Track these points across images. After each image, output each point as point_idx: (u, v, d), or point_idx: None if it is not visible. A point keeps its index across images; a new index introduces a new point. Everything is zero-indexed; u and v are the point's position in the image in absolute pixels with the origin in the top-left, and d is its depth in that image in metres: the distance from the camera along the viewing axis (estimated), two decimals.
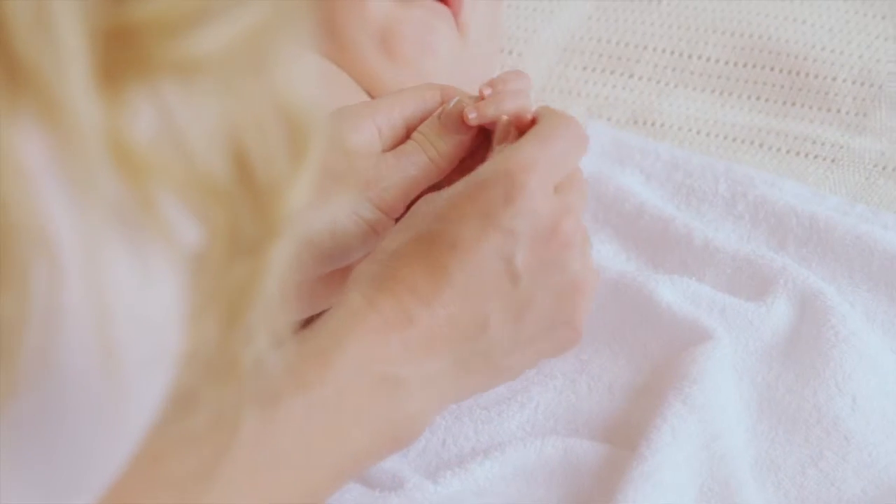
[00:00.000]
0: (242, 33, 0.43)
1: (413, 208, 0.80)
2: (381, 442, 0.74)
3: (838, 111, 1.10)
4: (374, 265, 0.77)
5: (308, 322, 0.79)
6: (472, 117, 0.82)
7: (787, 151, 1.09)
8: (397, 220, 0.83)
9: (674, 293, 0.93)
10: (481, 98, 0.84)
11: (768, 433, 0.86)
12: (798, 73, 1.13)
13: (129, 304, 0.43)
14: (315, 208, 0.77)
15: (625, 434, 0.84)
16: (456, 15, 1.05)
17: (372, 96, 1.03)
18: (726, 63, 1.15)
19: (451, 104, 0.85)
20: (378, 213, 0.82)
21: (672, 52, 1.15)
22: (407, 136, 0.85)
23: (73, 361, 0.42)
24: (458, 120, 0.84)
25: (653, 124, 1.12)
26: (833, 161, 1.07)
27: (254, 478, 0.69)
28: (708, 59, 1.15)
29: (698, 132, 1.11)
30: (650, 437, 0.81)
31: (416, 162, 0.83)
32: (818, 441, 0.85)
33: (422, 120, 0.85)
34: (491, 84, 0.85)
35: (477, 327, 0.76)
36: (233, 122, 0.45)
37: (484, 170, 0.78)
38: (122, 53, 0.41)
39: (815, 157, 1.08)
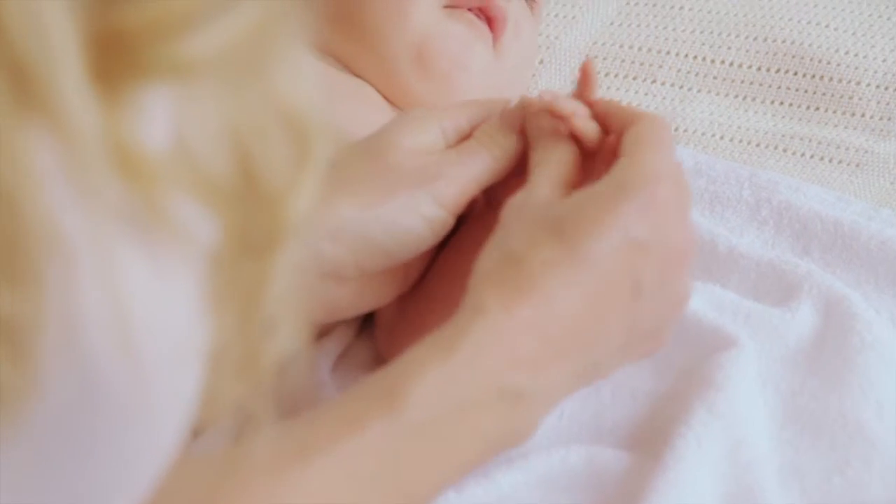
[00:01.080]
0: (237, 35, 0.43)
1: (523, 215, 0.76)
2: (490, 452, 0.75)
3: (862, 115, 1.10)
4: (507, 269, 0.73)
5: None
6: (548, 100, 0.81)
7: (812, 156, 1.08)
8: (458, 218, 0.83)
9: (698, 300, 0.93)
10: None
11: (793, 440, 0.86)
12: (822, 78, 1.13)
13: (146, 304, 0.43)
14: (373, 206, 0.78)
15: (649, 441, 0.84)
16: (496, 37, 1.05)
17: (398, 108, 1.03)
18: (749, 68, 1.14)
19: (514, 103, 0.84)
20: (439, 209, 0.81)
21: (695, 58, 1.15)
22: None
23: (97, 363, 0.42)
24: (519, 117, 0.83)
25: (676, 129, 1.12)
26: (857, 166, 1.07)
27: (377, 475, 0.69)
28: (731, 64, 1.15)
29: (722, 137, 1.11)
30: (674, 445, 0.81)
31: (478, 158, 0.82)
32: (843, 448, 0.85)
33: None
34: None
35: (594, 340, 0.75)
36: (234, 125, 0.45)
37: (612, 181, 0.75)
38: (118, 57, 0.41)
39: (840, 161, 1.08)
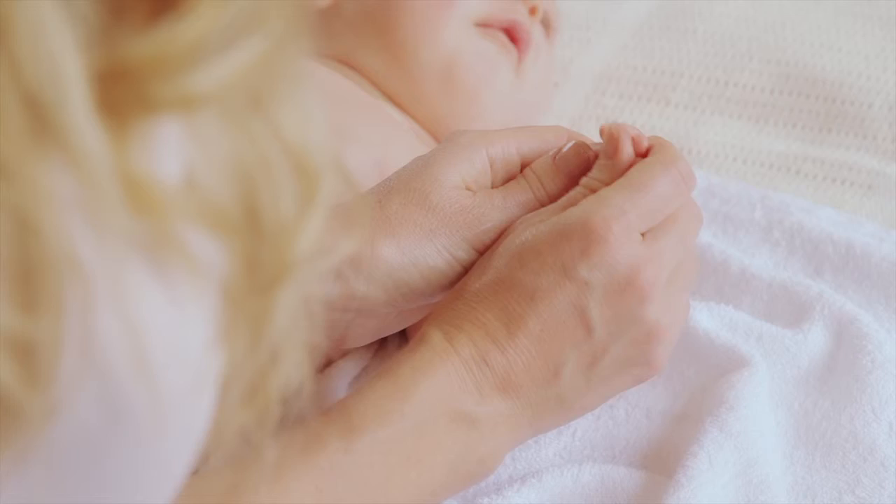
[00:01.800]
0: (243, 71, 0.43)
1: (498, 244, 0.79)
2: (456, 477, 0.77)
3: (874, 138, 1.10)
4: (456, 303, 0.78)
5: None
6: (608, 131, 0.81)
7: (824, 178, 1.09)
8: None
9: (711, 320, 0.93)
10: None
11: (805, 460, 0.86)
12: (834, 101, 1.13)
13: (160, 330, 0.44)
14: (411, 251, 0.78)
15: (662, 460, 0.85)
16: (521, 58, 1.06)
17: (418, 123, 1.04)
18: (762, 90, 1.15)
19: (568, 146, 0.83)
20: (474, 253, 0.81)
21: (708, 80, 1.16)
22: (520, 171, 0.84)
23: (113, 388, 0.43)
24: (572, 162, 0.82)
25: (689, 152, 1.12)
26: (869, 188, 1.07)
27: (342, 494, 0.72)
28: (744, 87, 1.15)
29: (734, 159, 1.11)
30: (687, 464, 0.82)
31: (523, 202, 0.82)
32: (855, 467, 0.85)
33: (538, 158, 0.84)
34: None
35: (551, 374, 0.78)
36: (239, 160, 0.45)
37: (568, 217, 0.77)
38: (126, 91, 0.41)
39: (852, 183, 1.08)
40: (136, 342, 0.43)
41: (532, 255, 0.77)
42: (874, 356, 0.89)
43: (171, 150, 0.44)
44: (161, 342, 0.44)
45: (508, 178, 0.84)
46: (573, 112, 1.14)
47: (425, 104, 1.03)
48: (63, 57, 0.40)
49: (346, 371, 0.95)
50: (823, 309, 0.93)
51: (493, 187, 0.83)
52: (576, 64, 1.19)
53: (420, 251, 0.80)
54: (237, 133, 0.45)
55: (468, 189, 0.82)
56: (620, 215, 0.77)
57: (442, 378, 0.75)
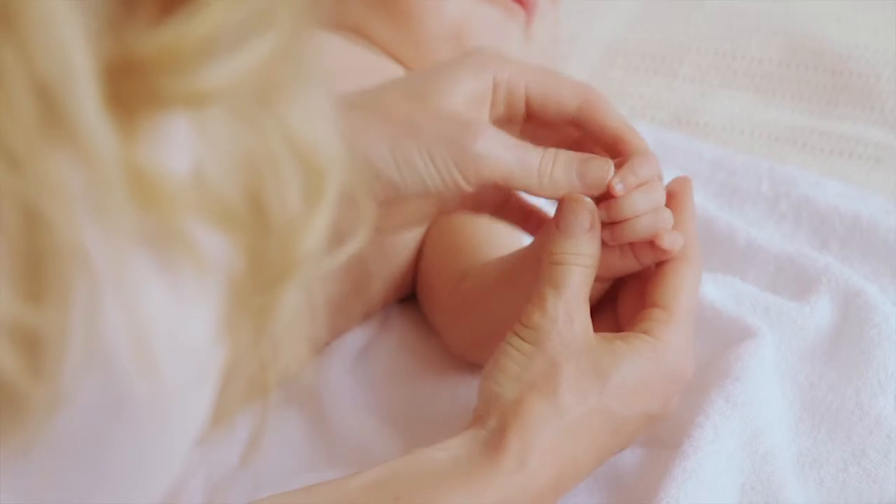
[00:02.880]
0: (252, 68, 0.43)
1: (567, 349, 0.78)
2: None
3: (882, 111, 1.10)
4: (552, 415, 0.77)
5: None
6: (603, 216, 0.79)
7: (831, 151, 1.09)
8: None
9: (717, 292, 0.93)
10: (612, 196, 0.79)
11: (811, 431, 0.86)
12: (841, 73, 1.13)
13: (165, 324, 0.44)
14: (394, 139, 0.77)
15: (668, 431, 0.85)
16: (528, 20, 1.06)
17: None
18: (769, 63, 1.15)
19: (594, 160, 0.80)
20: (457, 175, 0.78)
21: (715, 53, 1.16)
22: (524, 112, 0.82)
23: (117, 380, 0.43)
24: (593, 178, 0.79)
25: (696, 124, 1.12)
26: (877, 161, 1.07)
27: None
28: (751, 60, 1.15)
29: (741, 132, 1.11)
30: (693, 435, 0.82)
31: (525, 162, 0.79)
32: (860, 439, 0.85)
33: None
34: (622, 176, 0.79)
35: (593, 468, 0.81)
36: (247, 157, 0.45)
37: (669, 362, 0.79)
38: (135, 86, 0.41)
39: (859, 156, 1.08)
40: (140, 335, 0.43)
41: (628, 393, 0.78)
42: (880, 328, 0.89)
43: (179, 144, 0.44)
44: (165, 335, 0.44)
45: (510, 112, 0.82)
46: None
47: None
48: (73, 49, 0.40)
49: (351, 344, 0.96)
50: (830, 281, 0.93)
51: (492, 115, 0.82)
52: (583, 37, 1.19)
53: (401, 145, 0.78)
54: (245, 129, 0.45)
55: (469, 104, 0.80)
56: (691, 348, 0.81)
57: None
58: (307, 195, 0.47)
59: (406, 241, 0.98)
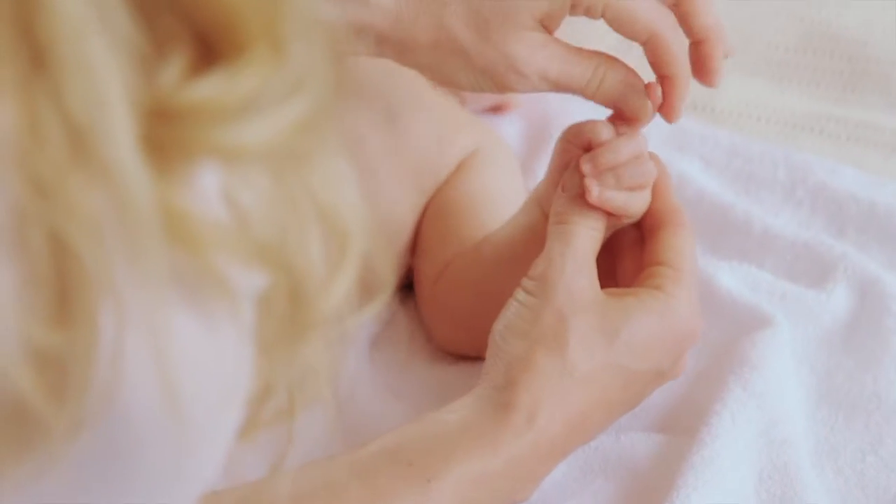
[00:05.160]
0: (285, 129, 0.44)
1: (576, 307, 0.79)
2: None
3: None
4: (559, 373, 0.78)
5: None
6: (587, 169, 0.80)
7: (847, 138, 1.08)
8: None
9: (734, 279, 0.93)
10: (597, 141, 0.81)
11: (828, 419, 0.86)
12: (858, 60, 1.13)
13: (192, 353, 0.45)
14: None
15: (685, 419, 0.85)
16: None
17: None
18: (786, 49, 1.15)
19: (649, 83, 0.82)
20: (495, 88, 0.80)
21: (731, 38, 1.15)
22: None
23: (139, 407, 0.44)
24: (640, 96, 0.81)
25: (712, 110, 1.12)
26: (893, 148, 1.07)
27: None
28: (768, 46, 1.15)
29: (758, 119, 1.11)
30: (710, 423, 0.82)
31: (581, 65, 0.80)
32: (877, 427, 0.85)
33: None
34: (608, 122, 0.82)
35: (595, 432, 0.81)
36: (275, 212, 0.46)
37: (677, 319, 0.80)
38: (172, 133, 0.42)
39: (875, 143, 1.08)
40: (165, 369, 0.43)
41: (639, 348, 0.78)
42: None
43: (212, 189, 0.44)
44: (190, 371, 0.45)
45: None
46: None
47: None
48: (108, 90, 0.40)
49: (368, 328, 0.96)
50: (847, 269, 0.93)
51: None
52: (595, 22, 1.18)
53: (447, 64, 0.79)
54: (276, 186, 0.46)
55: (541, 25, 0.79)
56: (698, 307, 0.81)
57: (528, 464, 0.77)
58: (331, 256, 0.48)
59: (403, 224, 0.97)
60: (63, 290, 0.41)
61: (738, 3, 1.17)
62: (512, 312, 0.79)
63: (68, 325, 0.41)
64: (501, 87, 0.79)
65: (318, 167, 0.47)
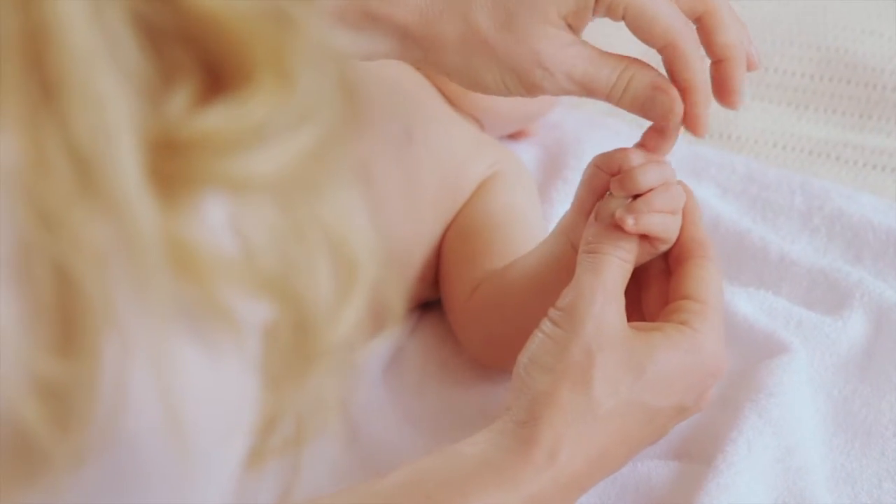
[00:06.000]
0: (293, 159, 0.44)
1: (601, 342, 0.77)
2: None
3: None
4: (582, 410, 0.77)
5: None
6: (616, 192, 0.79)
7: (864, 165, 1.08)
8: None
9: (750, 306, 0.93)
10: (625, 166, 0.80)
11: (844, 446, 0.86)
12: (875, 87, 1.12)
13: (196, 384, 0.45)
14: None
15: (701, 446, 0.85)
16: None
17: (452, 103, 1.04)
18: (803, 76, 1.15)
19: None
20: (523, 90, 0.79)
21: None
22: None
23: (143, 437, 0.44)
24: (669, 94, 0.79)
25: (729, 137, 1.12)
26: None
27: None
28: (784, 73, 1.15)
29: (774, 145, 1.11)
30: (726, 450, 0.82)
31: (607, 66, 0.79)
32: (894, 454, 0.85)
33: None
34: (635, 149, 0.81)
35: (625, 460, 0.80)
36: (282, 242, 0.46)
37: (702, 355, 0.78)
38: (176, 162, 0.42)
39: (893, 170, 1.08)
40: (169, 399, 0.44)
41: (663, 385, 0.78)
42: None
43: (218, 220, 0.44)
44: (194, 402, 0.45)
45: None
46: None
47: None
48: (115, 121, 0.40)
49: (381, 353, 0.96)
50: (863, 296, 0.93)
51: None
52: (609, 48, 1.18)
53: (474, 63, 0.78)
54: (283, 217, 0.46)
55: (566, 24, 0.79)
56: (723, 350, 0.80)
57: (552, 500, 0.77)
58: (339, 287, 0.47)
59: (412, 250, 0.97)
60: (67, 321, 0.41)
61: (755, 30, 1.17)
62: (537, 345, 0.78)
63: (72, 356, 0.41)
64: (529, 85, 0.78)
65: (328, 196, 0.47)
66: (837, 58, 1.15)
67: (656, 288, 0.83)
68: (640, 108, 0.79)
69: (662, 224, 0.80)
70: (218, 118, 0.42)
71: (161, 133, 0.42)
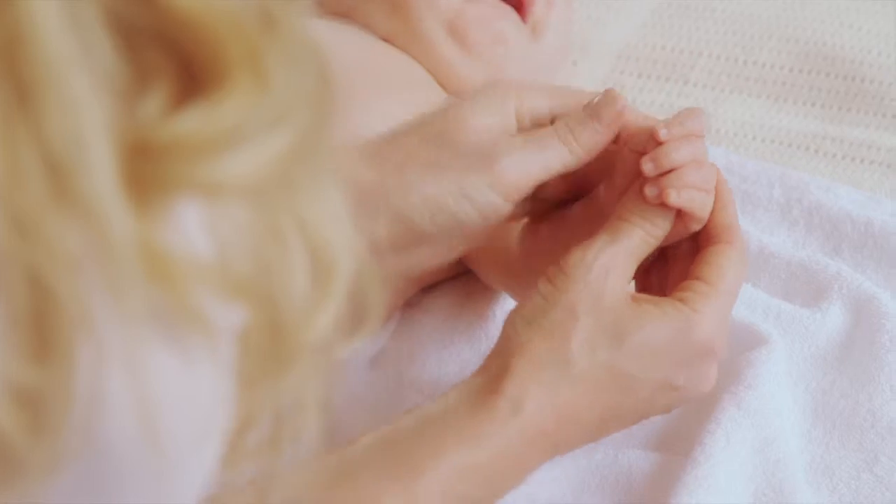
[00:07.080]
0: (268, 161, 0.44)
1: (591, 304, 0.76)
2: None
3: (894, 116, 1.10)
4: (554, 362, 0.76)
5: None
6: (648, 168, 0.77)
7: (843, 157, 1.09)
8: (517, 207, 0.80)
9: None
10: (657, 141, 0.78)
11: (823, 438, 0.86)
12: (853, 79, 1.13)
13: (170, 389, 0.45)
14: (416, 185, 0.76)
15: (679, 439, 0.85)
16: (525, 12, 1.06)
17: (446, 88, 1.04)
18: (781, 69, 1.15)
19: (598, 96, 0.80)
20: (494, 195, 0.78)
21: (727, 59, 1.16)
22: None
23: (118, 442, 0.44)
24: (603, 111, 0.79)
25: (708, 130, 1.12)
26: (889, 166, 1.07)
27: None
28: (763, 65, 1.15)
29: (753, 138, 1.11)
30: (704, 442, 0.82)
31: (550, 149, 0.78)
32: (873, 446, 0.85)
33: None
34: (668, 125, 0.78)
35: (603, 433, 0.79)
36: (258, 246, 0.45)
37: (694, 331, 0.77)
38: (150, 167, 0.42)
39: (871, 162, 1.08)
40: (144, 404, 0.44)
41: (647, 357, 0.77)
42: (893, 334, 0.89)
43: (192, 224, 0.44)
44: (168, 406, 0.45)
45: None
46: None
47: (450, 68, 1.03)
48: (89, 126, 0.40)
49: (364, 350, 0.96)
50: (842, 287, 0.93)
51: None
52: (594, 42, 1.19)
53: (427, 188, 0.77)
54: (259, 218, 0.45)
55: (493, 138, 0.78)
56: (722, 332, 0.79)
57: (517, 456, 0.76)
58: (316, 287, 0.47)
59: None
60: (42, 327, 0.41)
61: (733, 23, 1.17)
62: (528, 299, 0.77)
63: (47, 362, 0.41)
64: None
65: (307, 196, 0.46)
66: (816, 51, 1.15)
67: (681, 268, 0.82)
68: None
69: (702, 200, 0.79)
70: (193, 121, 0.42)
71: (136, 137, 0.42)
